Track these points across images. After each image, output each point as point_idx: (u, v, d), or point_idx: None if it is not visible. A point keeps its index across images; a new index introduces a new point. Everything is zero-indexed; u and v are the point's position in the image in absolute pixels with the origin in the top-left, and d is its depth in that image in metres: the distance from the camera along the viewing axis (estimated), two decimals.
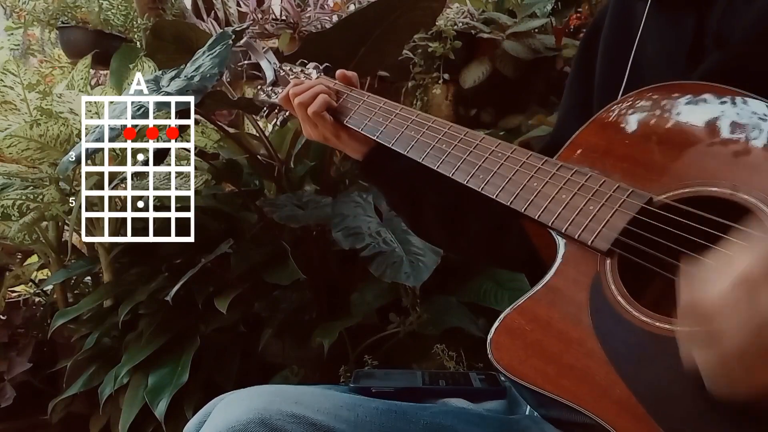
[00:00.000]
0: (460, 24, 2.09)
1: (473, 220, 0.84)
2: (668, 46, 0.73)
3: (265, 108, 1.00)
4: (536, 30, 2.09)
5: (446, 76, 2.08)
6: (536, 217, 0.65)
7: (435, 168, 0.75)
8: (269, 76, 1.00)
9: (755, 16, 0.66)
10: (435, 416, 0.68)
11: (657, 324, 0.54)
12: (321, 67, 0.97)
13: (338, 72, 0.92)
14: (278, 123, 0.98)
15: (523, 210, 0.66)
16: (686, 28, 0.71)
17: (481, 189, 0.70)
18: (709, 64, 0.68)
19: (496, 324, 0.61)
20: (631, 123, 0.67)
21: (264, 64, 1.01)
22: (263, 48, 1.03)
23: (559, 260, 0.63)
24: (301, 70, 0.98)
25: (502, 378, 0.62)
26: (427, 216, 0.88)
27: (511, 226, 0.79)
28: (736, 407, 0.47)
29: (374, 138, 0.83)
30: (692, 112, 0.63)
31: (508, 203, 0.67)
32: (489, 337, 0.61)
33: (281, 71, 0.99)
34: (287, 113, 0.99)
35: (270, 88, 0.99)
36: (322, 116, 0.87)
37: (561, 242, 0.64)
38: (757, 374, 0.45)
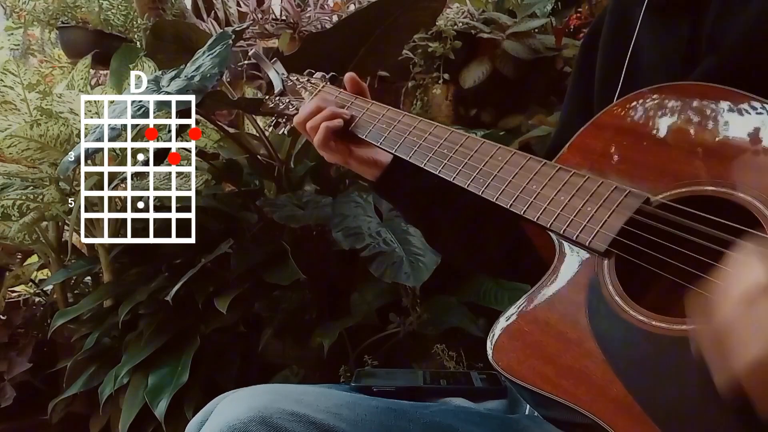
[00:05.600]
0: (460, 24, 2.09)
1: (491, 236, 0.84)
2: (664, 51, 0.73)
3: (272, 118, 1.01)
4: (536, 30, 2.08)
5: (446, 76, 2.07)
6: (535, 219, 0.65)
7: (437, 173, 0.75)
8: (277, 86, 1.01)
9: (749, 20, 0.66)
10: (435, 415, 0.68)
11: (653, 323, 0.54)
12: (327, 76, 0.97)
13: (347, 76, 0.91)
14: (285, 132, 0.99)
15: (522, 212, 0.67)
16: (681, 33, 0.72)
17: (482, 192, 0.70)
18: (705, 67, 0.68)
19: (496, 325, 0.62)
20: (629, 124, 0.67)
21: (272, 74, 1.02)
22: (272, 59, 1.03)
23: (557, 261, 0.64)
24: (308, 80, 0.98)
25: (502, 379, 0.62)
26: (445, 234, 0.88)
27: (530, 241, 0.79)
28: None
29: (377, 145, 0.83)
30: (689, 113, 0.63)
31: (508, 206, 0.68)
32: (488, 338, 0.61)
33: (289, 81, 1.00)
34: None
35: (278, 98, 0.99)
36: (328, 146, 0.86)
37: (559, 244, 0.65)
38: None
